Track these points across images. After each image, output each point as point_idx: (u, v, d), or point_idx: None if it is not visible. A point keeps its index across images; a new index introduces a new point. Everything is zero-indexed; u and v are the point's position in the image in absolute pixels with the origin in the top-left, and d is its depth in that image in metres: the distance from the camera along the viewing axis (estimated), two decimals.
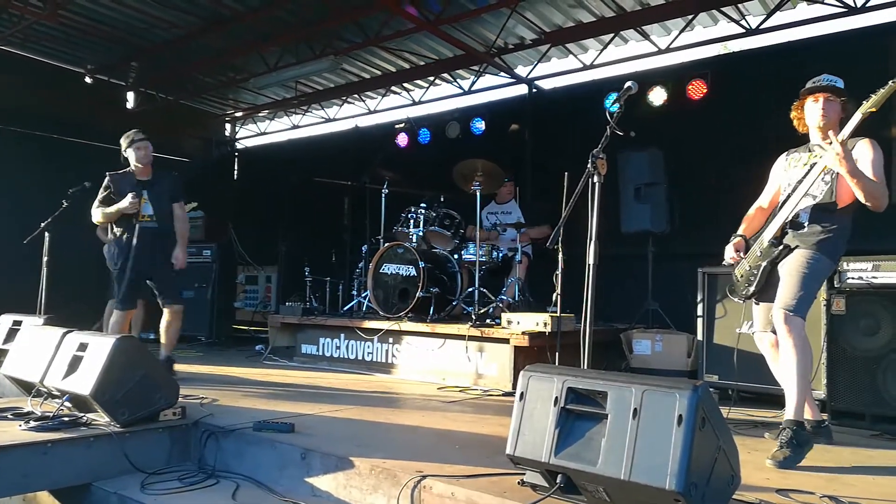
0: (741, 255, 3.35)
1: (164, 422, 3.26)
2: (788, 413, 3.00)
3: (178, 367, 4.96)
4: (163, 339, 4.90)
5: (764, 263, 3.21)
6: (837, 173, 3.02)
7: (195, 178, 9.75)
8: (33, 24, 7.29)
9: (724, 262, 3.71)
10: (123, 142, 4.86)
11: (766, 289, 3.22)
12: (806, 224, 3.14)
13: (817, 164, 3.10)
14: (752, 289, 3.26)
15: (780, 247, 3.16)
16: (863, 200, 2.98)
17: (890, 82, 2.86)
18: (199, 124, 10.63)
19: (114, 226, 4.82)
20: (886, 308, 3.71)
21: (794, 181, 3.23)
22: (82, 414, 3.25)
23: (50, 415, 3.19)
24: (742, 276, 3.34)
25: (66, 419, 3.16)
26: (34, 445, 2.85)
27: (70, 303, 6.10)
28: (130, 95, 9.43)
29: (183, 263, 4.89)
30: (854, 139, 3.06)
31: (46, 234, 5.86)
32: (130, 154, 4.81)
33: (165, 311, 4.88)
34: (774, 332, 3.26)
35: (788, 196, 3.22)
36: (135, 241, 4.61)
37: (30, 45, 8.09)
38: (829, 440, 3.29)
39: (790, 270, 3.09)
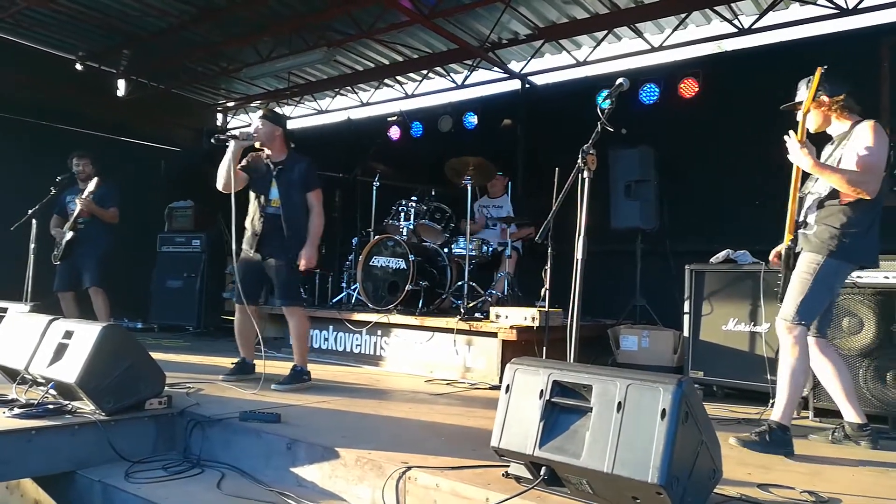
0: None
1: (150, 410, 3.24)
2: (775, 414, 3.02)
3: (164, 356, 4.87)
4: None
5: (784, 270, 3.16)
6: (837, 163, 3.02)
7: (185, 167, 9.72)
8: (24, 9, 7.21)
9: (710, 261, 3.74)
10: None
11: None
12: (811, 223, 3.09)
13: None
14: (780, 294, 3.19)
15: (793, 253, 3.12)
16: (846, 191, 2.94)
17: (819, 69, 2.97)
18: (190, 114, 10.53)
19: None
20: (870, 307, 3.74)
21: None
22: (67, 402, 3.24)
23: (35, 402, 3.18)
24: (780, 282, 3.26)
25: (50, 407, 3.14)
26: (18, 432, 2.84)
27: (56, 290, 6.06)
28: (121, 83, 9.34)
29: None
30: (862, 122, 3.02)
31: (34, 221, 5.81)
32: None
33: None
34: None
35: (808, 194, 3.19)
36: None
37: (21, 31, 7.99)
38: (873, 445, 3.11)
39: (795, 276, 3.07)
